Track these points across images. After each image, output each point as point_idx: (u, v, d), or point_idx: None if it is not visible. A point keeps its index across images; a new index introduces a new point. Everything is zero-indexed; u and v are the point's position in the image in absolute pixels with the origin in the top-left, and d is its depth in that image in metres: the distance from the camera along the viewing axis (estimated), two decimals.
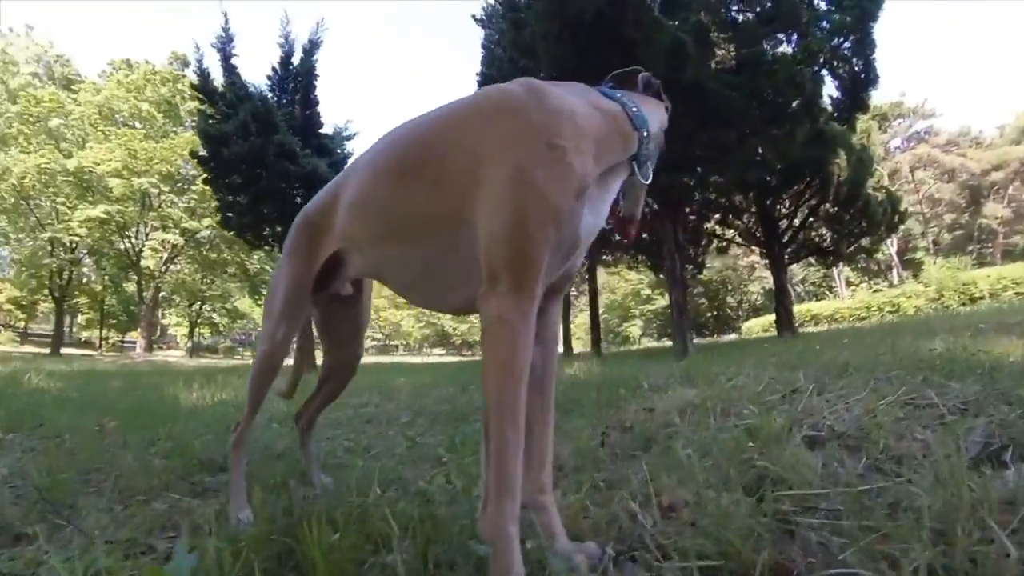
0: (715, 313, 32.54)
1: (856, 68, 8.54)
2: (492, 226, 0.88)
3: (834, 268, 28.20)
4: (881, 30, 8.11)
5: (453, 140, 0.99)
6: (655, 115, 1.11)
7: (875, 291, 26.33)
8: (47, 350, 24.33)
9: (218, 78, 11.37)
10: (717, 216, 13.45)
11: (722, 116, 6.59)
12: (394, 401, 3.88)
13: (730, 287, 32.67)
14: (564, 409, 2.52)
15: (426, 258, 1.05)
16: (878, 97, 24.89)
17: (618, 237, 1.13)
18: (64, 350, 25.31)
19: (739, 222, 13.09)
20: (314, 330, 1.61)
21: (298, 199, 10.97)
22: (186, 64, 27.57)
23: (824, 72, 8.25)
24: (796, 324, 12.60)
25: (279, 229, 11.30)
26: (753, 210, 12.26)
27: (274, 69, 11.84)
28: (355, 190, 1.16)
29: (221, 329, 38.93)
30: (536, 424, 1.00)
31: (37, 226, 24.06)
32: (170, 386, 5.05)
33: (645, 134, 1.02)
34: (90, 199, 23.80)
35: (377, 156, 1.14)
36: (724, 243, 14.68)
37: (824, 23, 7.90)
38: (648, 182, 1.07)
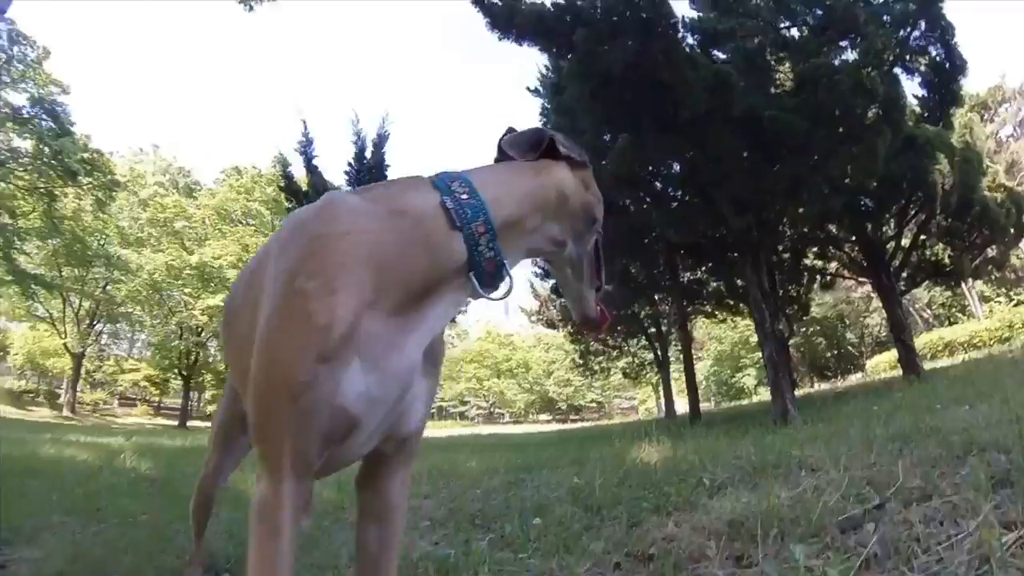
0: (836, 352, 29.23)
1: (936, 58, 7.52)
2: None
3: (963, 284, 24.62)
4: (956, 10, 7.12)
5: (256, 281, 0.81)
6: (512, 192, 0.84)
7: (1017, 304, 22.73)
8: (176, 422, 27.05)
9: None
10: (815, 249, 12.22)
11: (786, 143, 5.95)
12: (442, 492, 3.58)
13: (848, 322, 29.39)
14: (584, 526, 2.10)
15: None
16: (972, 85, 22.00)
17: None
18: (191, 423, 27.85)
19: (841, 252, 11.80)
20: None
21: None
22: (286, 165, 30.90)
23: (898, 71, 7.32)
24: (923, 359, 10.96)
25: None
26: (854, 238, 11.02)
27: (350, 164, 12.84)
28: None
29: None
30: None
31: (168, 313, 27.37)
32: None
33: (479, 229, 0.75)
34: (211, 289, 26.69)
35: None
36: (828, 277, 13.32)
37: (885, 17, 6.99)
38: (498, 297, 0.81)
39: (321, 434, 0.66)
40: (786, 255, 11.59)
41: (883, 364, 22.20)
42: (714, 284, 13.34)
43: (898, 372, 11.05)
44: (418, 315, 0.72)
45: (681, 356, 16.31)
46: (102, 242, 24.35)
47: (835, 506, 1.71)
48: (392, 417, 0.74)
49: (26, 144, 12.98)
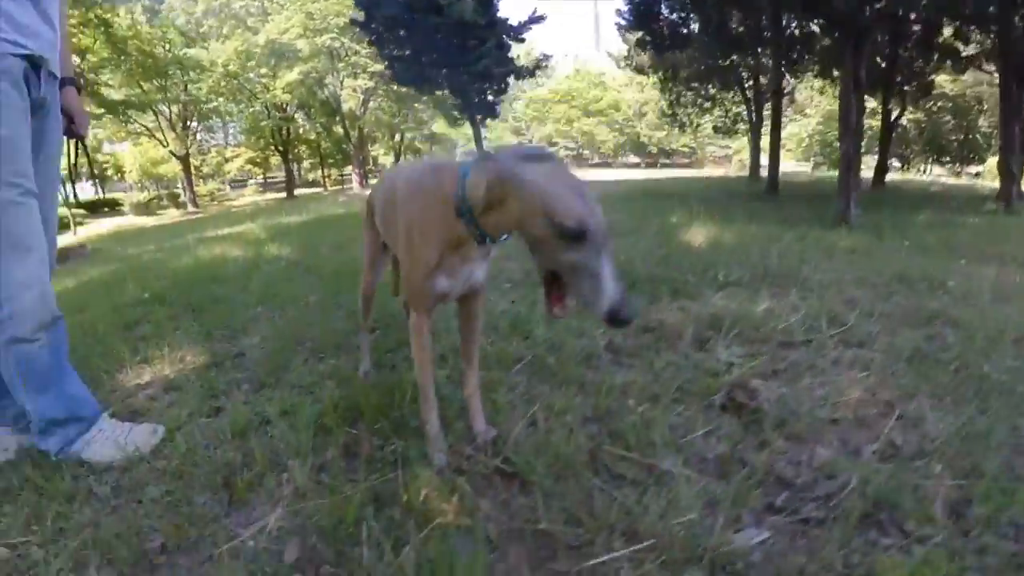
0: (964, 136, 25.06)
1: None
2: None
3: None
4: None
5: (390, 200, 1.47)
6: (472, 192, 1.14)
7: None
8: (284, 194, 30.64)
9: None
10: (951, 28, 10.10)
11: None
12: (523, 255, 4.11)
13: (986, 107, 24.20)
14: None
15: None
16: None
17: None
18: (297, 191, 31.80)
19: (983, 35, 9.65)
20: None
21: (454, 46, 11.16)
22: None
23: None
24: None
25: (442, 76, 11.66)
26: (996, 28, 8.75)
27: None
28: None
29: (423, 153, 43.21)
30: (465, 345, 1.52)
31: (251, 97, 28.67)
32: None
33: (468, 219, 1.16)
34: (285, 64, 26.79)
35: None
36: (962, 62, 11.18)
37: None
38: (491, 249, 1.28)
39: (434, 298, 1.31)
40: (916, 27, 9.67)
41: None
42: (825, 42, 11.61)
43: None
44: (466, 252, 1.25)
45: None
46: (168, 49, 24.14)
47: (788, 327, 2.22)
48: (467, 285, 1.34)
49: None
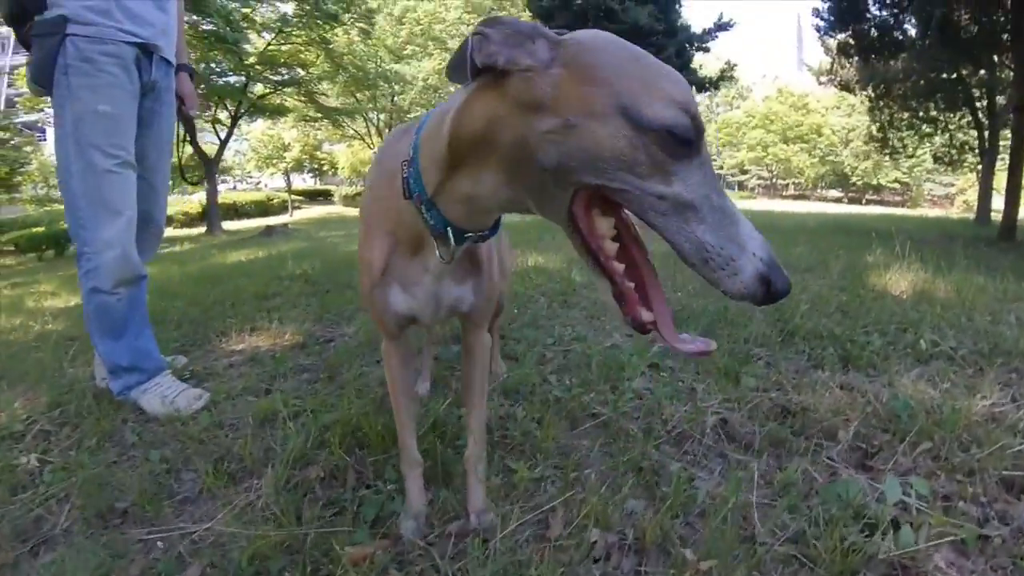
0: None
1: None
2: None
3: None
4: None
5: None
6: (430, 150, 0.73)
7: None
8: None
9: None
10: None
11: None
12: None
13: None
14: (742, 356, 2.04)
15: None
16: None
17: None
18: None
19: None
20: None
21: None
22: None
23: None
24: None
25: None
26: None
27: None
28: None
29: None
30: (464, 395, 1.14)
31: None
32: None
33: (418, 201, 0.76)
34: None
35: None
36: None
37: None
38: (447, 260, 0.81)
39: (392, 319, 0.93)
40: None
41: None
42: None
43: None
44: (426, 258, 0.85)
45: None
46: (377, 64, 27.17)
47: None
48: (445, 309, 0.93)
49: (289, 7, 14.94)
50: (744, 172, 48.42)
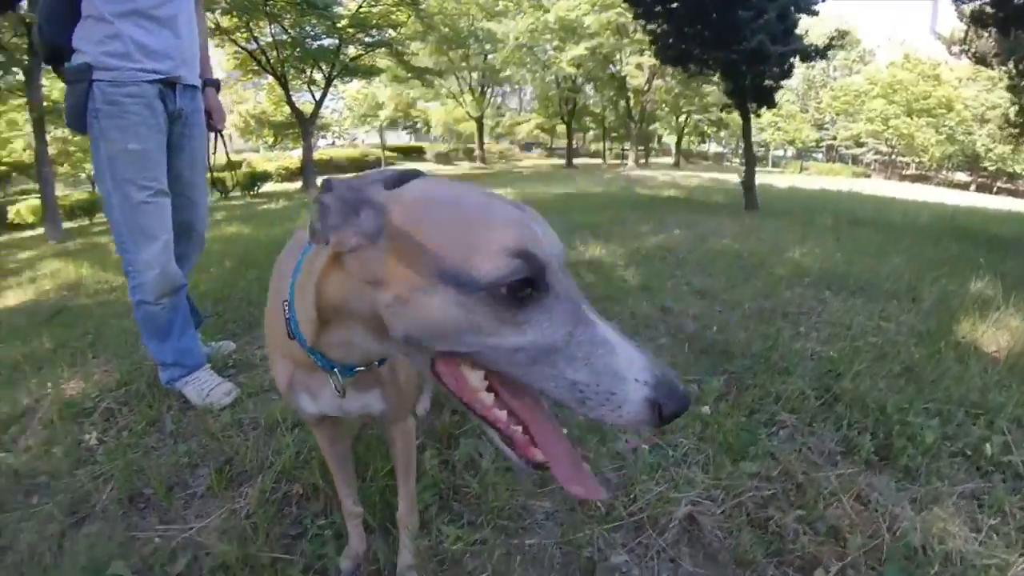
0: None
1: None
2: None
3: None
4: None
5: None
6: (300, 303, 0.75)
7: None
8: (564, 162, 33.05)
9: None
10: None
11: None
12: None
13: None
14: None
15: None
16: None
17: None
18: (578, 160, 34.29)
19: None
20: None
21: (723, 20, 9.97)
22: None
23: None
24: None
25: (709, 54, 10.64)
26: None
27: None
28: None
29: (708, 136, 41.30)
30: (398, 481, 1.17)
31: (543, 68, 30.86)
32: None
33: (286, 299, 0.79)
34: (574, 40, 28.26)
35: None
36: None
37: None
38: (340, 394, 0.81)
39: (310, 420, 1.01)
40: None
41: None
42: None
43: None
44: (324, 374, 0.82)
45: None
46: (469, 22, 27.34)
47: None
48: (356, 414, 0.95)
49: None
50: (860, 145, 44.07)
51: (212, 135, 2.15)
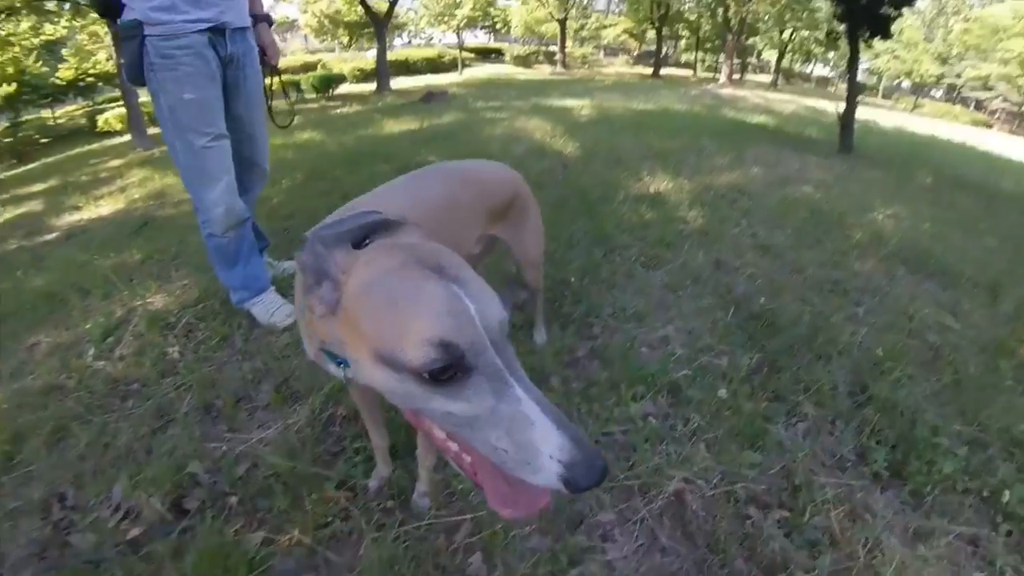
0: None
1: None
2: None
3: None
4: None
5: None
6: None
7: None
8: (650, 71, 30.62)
9: None
10: None
11: None
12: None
13: None
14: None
15: None
16: None
17: None
18: (665, 70, 31.69)
19: None
20: None
21: None
22: None
23: None
24: None
25: None
26: None
27: None
28: None
29: (815, 56, 37.10)
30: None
31: None
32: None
33: None
34: None
35: None
36: None
37: None
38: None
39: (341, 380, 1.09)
40: None
41: None
42: None
43: None
44: None
45: None
46: None
47: None
48: None
49: None
50: (988, 89, 37.60)
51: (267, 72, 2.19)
